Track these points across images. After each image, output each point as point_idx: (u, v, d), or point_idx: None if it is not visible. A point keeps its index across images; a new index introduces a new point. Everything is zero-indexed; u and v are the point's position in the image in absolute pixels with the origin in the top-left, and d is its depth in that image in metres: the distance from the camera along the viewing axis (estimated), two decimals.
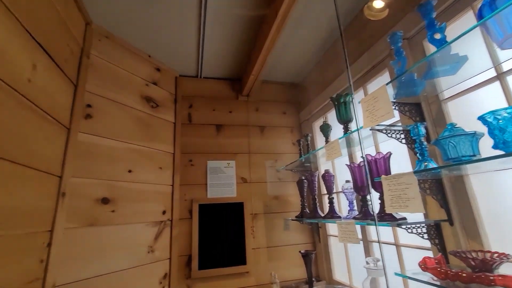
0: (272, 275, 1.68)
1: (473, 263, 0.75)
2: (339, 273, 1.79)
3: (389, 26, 1.25)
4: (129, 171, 1.52)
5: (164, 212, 1.68)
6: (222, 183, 1.93)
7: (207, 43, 1.74)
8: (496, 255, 0.74)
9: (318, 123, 2.07)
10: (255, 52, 1.75)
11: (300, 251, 1.68)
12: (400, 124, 1.19)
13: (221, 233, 1.82)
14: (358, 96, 1.58)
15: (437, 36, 0.86)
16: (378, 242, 0.99)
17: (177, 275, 1.67)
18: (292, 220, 1.82)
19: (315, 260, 1.93)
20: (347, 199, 1.45)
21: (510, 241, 0.84)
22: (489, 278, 0.69)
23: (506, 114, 0.68)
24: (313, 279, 1.68)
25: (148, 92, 1.76)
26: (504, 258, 0.72)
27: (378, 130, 1.05)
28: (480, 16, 0.73)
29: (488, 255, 0.75)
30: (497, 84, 0.86)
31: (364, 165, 1.17)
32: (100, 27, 1.51)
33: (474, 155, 0.75)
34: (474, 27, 0.70)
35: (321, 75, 1.97)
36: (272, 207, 1.99)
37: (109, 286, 1.29)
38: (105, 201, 1.36)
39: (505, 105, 0.84)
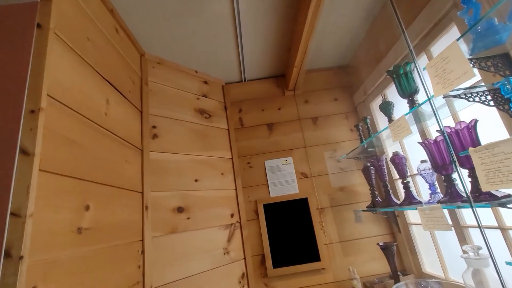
0: (351, 270, 1.59)
1: None
2: (429, 265, 1.58)
3: None
4: (196, 180, 1.64)
5: (232, 215, 1.76)
6: (283, 180, 1.93)
7: (246, 46, 1.77)
8: None
9: (376, 103, 1.88)
10: (295, 43, 1.69)
11: (378, 244, 1.55)
12: (483, 83, 0.98)
13: (289, 231, 1.81)
14: (421, 64, 1.38)
15: None
16: (479, 227, 0.83)
17: (254, 274, 1.73)
18: (363, 211, 1.68)
19: (397, 252, 1.75)
20: (427, 182, 1.27)
21: None
22: None
23: None
24: (399, 273, 1.52)
25: (200, 104, 1.88)
26: None
27: (455, 96, 0.89)
28: None
29: None
30: None
31: (445, 137, 1.01)
32: (152, 55, 1.68)
33: None
34: None
35: (371, 50, 1.79)
36: (339, 200, 1.89)
37: (196, 287, 1.41)
38: (180, 210, 1.50)
39: None
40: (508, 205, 0.78)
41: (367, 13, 1.63)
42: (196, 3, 1.38)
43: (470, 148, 0.78)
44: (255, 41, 1.74)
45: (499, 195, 0.80)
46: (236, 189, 1.85)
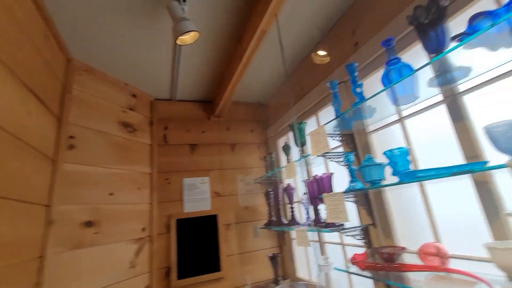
0: (244, 278, 1.92)
1: (383, 256, 1.06)
2: (302, 272, 2.08)
3: (331, 70, 1.57)
4: (110, 194, 1.65)
5: (143, 229, 1.83)
6: (197, 198, 2.13)
7: (182, 67, 1.91)
8: (396, 249, 1.05)
9: (283, 140, 2.36)
10: (225, 82, 1.98)
11: (268, 255, 1.94)
12: (342, 149, 1.50)
13: (197, 244, 2.01)
14: (312, 122, 1.89)
15: (358, 90, 1.17)
16: (317, 242, 1.27)
17: (158, 286, 1.83)
18: (261, 228, 2.07)
19: (281, 261, 2.20)
20: (305, 208, 1.74)
21: (412, 237, 1.17)
22: (390, 266, 0.99)
23: (397, 152, 1.00)
24: (280, 278, 1.94)
25: (125, 117, 1.90)
26: (401, 251, 1.04)
27: (322, 156, 1.35)
28: (382, 82, 1.05)
29: (391, 249, 1.06)
30: (399, 124, 1.20)
31: (306, 183, 1.46)
32: (80, 62, 1.64)
33: (380, 180, 1.07)
34: (377, 94, 1.01)
35: (284, 98, 2.27)
36: (243, 217, 2.23)
37: None
38: (89, 224, 1.49)
39: (404, 140, 1.17)
40: (341, 231, 1.25)
41: (286, 69, 2.08)
42: (140, 18, 1.41)
43: (324, 194, 1.22)
44: (191, 68, 1.92)
45: (337, 224, 1.27)
46: (151, 203, 1.93)
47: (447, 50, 0.77)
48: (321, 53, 1.56)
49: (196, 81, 2.10)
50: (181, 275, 1.89)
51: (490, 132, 0.70)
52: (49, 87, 1.33)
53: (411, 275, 0.97)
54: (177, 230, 1.98)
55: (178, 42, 1.27)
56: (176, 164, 2.15)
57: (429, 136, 1.11)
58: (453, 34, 0.79)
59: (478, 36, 0.68)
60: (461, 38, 0.73)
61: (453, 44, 0.77)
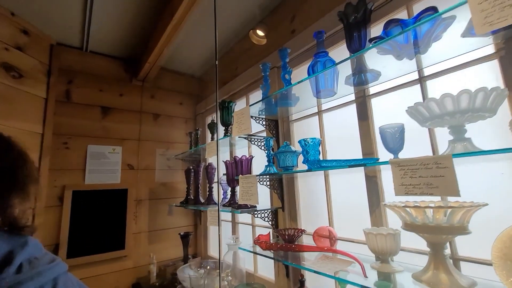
0: (151, 257, 1.81)
1: (284, 237, 1.12)
2: (213, 250, 2.09)
3: (267, 53, 1.54)
4: None
5: None
6: (105, 169, 1.86)
7: (97, 12, 1.56)
8: (296, 231, 1.13)
9: (210, 118, 2.26)
10: (152, 42, 1.73)
11: (179, 233, 1.87)
12: (265, 134, 1.52)
13: (99, 220, 1.77)
14: (241, 103, 1.85)
15: (287, 76, 1.17)
16: (219, 222, 1.28)
17: None
18: (177, 206, 1.97)
19: (194, 240, 2.17)
20: (223, 189, 1.72)
21: (312, 220, 1.29)
22: (288, 246, 1.06)
23: (310, 142, 1.04)
24: (190, 256, 1.91)
25: (9, 58, 1.46)
26: (300, 233, 1.12)
27: (245, 138, 1.33)
28: (308, 72, 1.06)
29: (291, 231, 1.13)
30: (317, 117, 1.27)
31: (225, 163, 1.44)
32: None
33: (293, 166, 1.11)
34: (301, 81, 1.02)
35: (220, 74, 2.15)
36: (159, 193, 2.08)
37: None
38: None
39: (319, 132, 1.25)
40: (253, 213, 1.27)
41: (222, 45, 1.95)
42: None
43: (240, 175, 1.21)
44: (110, 12, 1.55)
45: (249, 206, 1.29)
46: (39, 169, 1.58)
47: (363, 49, 0.81)
48: (260, 33, 1.51)
49: (116, 31, 1.76)
50: (72, 253, 1.64)
51: (383, 132, 0.78)
52: None
53: (306, 255, 1.05)
54: (73, 204, 1.70)
55: None
56: (80, 128, 1.80)
57: (339, 131, 1.21)
58: (371, 37, 0.84)
59: (388, 42, 0.73)
60: (376, 41, 0.78)
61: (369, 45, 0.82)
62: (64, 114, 1.75)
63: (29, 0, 1.43)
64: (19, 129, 1.49)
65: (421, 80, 0.90)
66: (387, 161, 0.69)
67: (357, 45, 0.89)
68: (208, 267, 1.71)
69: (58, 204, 1.67)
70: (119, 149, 1.94)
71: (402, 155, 0.76)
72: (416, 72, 0.91)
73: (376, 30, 1.02)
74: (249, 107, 1.19)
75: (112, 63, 2.02)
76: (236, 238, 1.52)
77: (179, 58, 2.14)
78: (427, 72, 0.90)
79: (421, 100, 0.86)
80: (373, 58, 0.85)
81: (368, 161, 0.84)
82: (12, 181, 0.54)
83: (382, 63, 0.84)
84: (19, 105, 1.51)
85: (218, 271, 1.49)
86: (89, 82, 1.89)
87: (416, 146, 0.87)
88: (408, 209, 0.69)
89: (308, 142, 1.04)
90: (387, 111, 1.02)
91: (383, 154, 0.98)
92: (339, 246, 1.04)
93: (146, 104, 2.14)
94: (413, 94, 0.94)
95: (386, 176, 0.99)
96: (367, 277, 0.74)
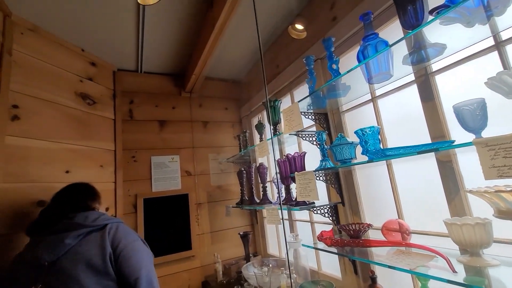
0: (215, 256, 1.91)
1: (349, 232, 1.08)
2: (272, 249, 2.12)
3: (308, 46, 1.51)
4: (67, 172, 1.51)
5: (107, 209, 1.72)
6: (167, 177, 2.03)
7: (147, 38, 1.74)
8: (362, 225, 1.08)
9: (256, 119, 2.30)
10: (196, 54, 1.84)
11: (239, 233, 1.94)
12: (314, 129, 1.48)
13: (167, 224, 1.95)
14: (286, 100, 1.84)
15: (334, 66, 1.13)
16: (282, 220, 1.28)
17: None
18: (233, 207, 2.05)
19: (253, 239, 2.23)
20: (276, 188, 1.73)
21: (377, 214, 1.21)
22: (355, 241, 1.02)
23: (368, 131, 0.98)
24: (251, 255, 1.97)
25: (84, 88, 1.71)
26: (367, 227, 1.07)
27: (295, 135, 1.31)
28: (358, 58, 1.01)
29: (357, 226, 1.08)
30: (371, 104, 1.19)
31: (277, 162, 1.44)
32: (22, 19, 1.40)
33: (352, 158, 1.06)
34: (352, 69, 0.97)
35: (259, 75, 2.18)
36: (215, 196, 2.19)
37: None
38: (41, 204, 1.35)
39: (375, 120, 1.17)
40: (312, 210, 1.26)
41: (264, 40, 1.97)
42: None
43: (296, 173, 1.21)
44: (158, 36, 1.73)
45: (308, 203, 1.27)
46: (115, 182, 1.81)
47: (424, 23, 0.74)
48: (299, 27, 1.48)
49: (165, 51, 1.92)
50: None
51: (459, 111, 0.69)
52: None
53: (374, 250, 1.00)
54: (145, 210, 1.90)
55: (139, 0, 1.12)
56: (143, 141, 2.01)
57: (398, 116, 1.12)
58: (431, 8, 0.76)
59: (455, 9, 0.65)
60: (439, 11, 0.70)
61: (431, 18, 0.74)
62: (130, 130, 1.97)
63: (94, 35, 1.65)
64: (97, 148, 1.73)
65: (499, 46, 0.78)
66: (469, 142, 0.62)
67: (413, 20, 0.81)
68: (270, 265, 1.74)
69: (133, 211, 1.88)
70: (177, 157, 2.10)
71: (485, 134, 0.66)
72: (491, 38, 0.79)
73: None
74: (298, 103, 1.17)
75: (163, 80, 2.21)
76: (296, 236, 1.51)
77: (219, 65, 2.23)
78: (505, 35, 0.77)
79: (501, 69, 0.75)
80: (435, 30, 0.76)
81: (442, 145, 0.76)
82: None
83: (448, 34, 0.75)
84: (95, 127, 1.74)
85: (282, 269, 1.50)
86: (146, 100, 2.09)
87: (498, 123, 0.75)
88: (502, 194, 0.60)
89: (366, 132, 0.99)
90: (455, 88, 0.91)
91: (456, 135, 0.88)
92: (414, 240, 0.96)
93: (195, 113, 2.27)
94: (488, 64, 0.82)
95: (463, 160, 0.88)
96: (456, 272, 0.67)
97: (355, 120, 1.32)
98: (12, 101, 1.30)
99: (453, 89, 0.91)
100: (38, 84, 1.44)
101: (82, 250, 0.92)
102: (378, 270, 1.14)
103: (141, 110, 2.06)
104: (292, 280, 1.34)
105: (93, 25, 1.56)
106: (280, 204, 1.38)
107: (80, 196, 1.14)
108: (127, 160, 1.92)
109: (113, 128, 1.88)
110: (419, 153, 0.78)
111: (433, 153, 0.91)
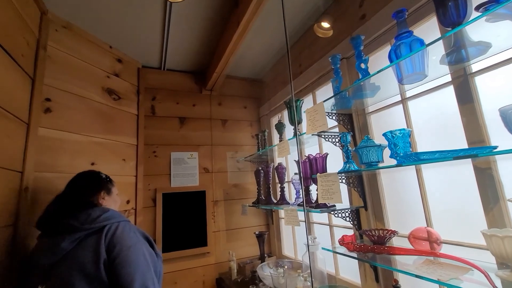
0: (230, 254, 1.92)
1: (372, 238, 1.04)
2: (288, 250, 2.10)
3: (333, 45, 1.47)
4: (92, 164, 1.56)
5: (128, 202, 1.77)
6: (185, 173, 2.06)
7: (172, 36, 1.77)
8: (387, 231, 1.03)
9: (275, 119, 2.28)
10: (218, 52, 1.85)
11: (254, 232, 1.93)
12: (337, 130, 1.45)
13: (184, 219, 1.97)
14: (308, 100, 1.81)
15: (362, 66, 1.09)
16: (305, 222, 1.25)
17: None
18: (249, 206, 2.04)
19: (268, 239, 2.21)
20: (295, 189, 1.71)
21: (403, 221, 1.16)
22: (380, 248, 0.98)
23: (398, 134, 0.94)
24: (265, 255, 1.95)
25: (110, 84, 1.76)
26: (392, 234, 1.02)
27: (318, 135, 1.28)
28: (389, 57, 0.97)
29: (381, 232, 1.04)
30: (400, 106, 1.14)
31: (300, 162, 1.42)
32: (57, 17, 1.46)
33: (379, 161, 1.02)
34: (383, 69, 0.93)
35: (280, 75, 2.16)
36: (232, 194, 2.20)
37: None
38: None
39: (405, 122, 1.12)
40: (332, 213, 1.22)
41: (282, 45, 1.96)
42: None
43: (318, 174, 1.18)
44: (182, 35, 1.76)
45: (329, 205, 1.24)
46: (136, 176, 1.86)
47: (468, 21, 0.69)
48: (325, 25, 1.45)
49: (188, 49, 1.95)
50: (166, 248, 1.87)
51: (506, 115, 0.64)
52: (19, 41, 1.18)
53: (400, 259, 0.96)
54: (163, 204, 1.93)
55: None
56: (164, 137, 2.05)
57: (429, 119, 1.06)
58: (477, 4, 0.71)
59: (508, 5, 0.60)
60: (486, 7, 0.65)
61: (474, 15, 0.69)
62: (151, 126, 2.02)
63: (122, 32, 1.70)
64: (121, 142, 1.78)
65: None
66: None
67: (454, 17, 0.77)
68: (286, 267, 1.72)
69: (152, 205, 1.92)
70: (196, 154, 2.12)
71: None
72: None
73: None
74: (323, 103, 1.14)
75: (184, 77, 2.24)
76: (313, 239, 1.48)
77: (240, 64, 2.23)
78: None
79: None
80: (478, 28, 0.71)
81: (482, 151, 0.71)
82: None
83: (495, 32, 0.70)
84: (119, 122, 1.79)
85: (298, 271, 1.47)
86: (167, 97, 2.13)
87: None
88: None
89: (396, 134, 0.94)
90: (497, 90, 0.85)
91: (497, 141, 0.82)
92: (444, 250, 0.91)
93: (215, 111, 2.29)
94: None
95: (504, 168, 0.82)
96: (496, 287, 0.62)
97: (382, 122, 1.27)
98: (45, 94, 1.36)
99: (496, 91, 0.85)
100: (70, 79, 1.49)
101: (77, 255, 0.90)
102: (402, 280, 1.09)
103: (162, 106, 2.10)
104: (309, 283, 1.32)
105: (121, 22, 1.60)
106: (303, 205, 1.35)
107: (82, 190, 1.08)
108: (148, 155, 1.97)
109: (136, 124, 1.92)
110: (455, 158, 0.73)
111: (469, 159, 0.86)
